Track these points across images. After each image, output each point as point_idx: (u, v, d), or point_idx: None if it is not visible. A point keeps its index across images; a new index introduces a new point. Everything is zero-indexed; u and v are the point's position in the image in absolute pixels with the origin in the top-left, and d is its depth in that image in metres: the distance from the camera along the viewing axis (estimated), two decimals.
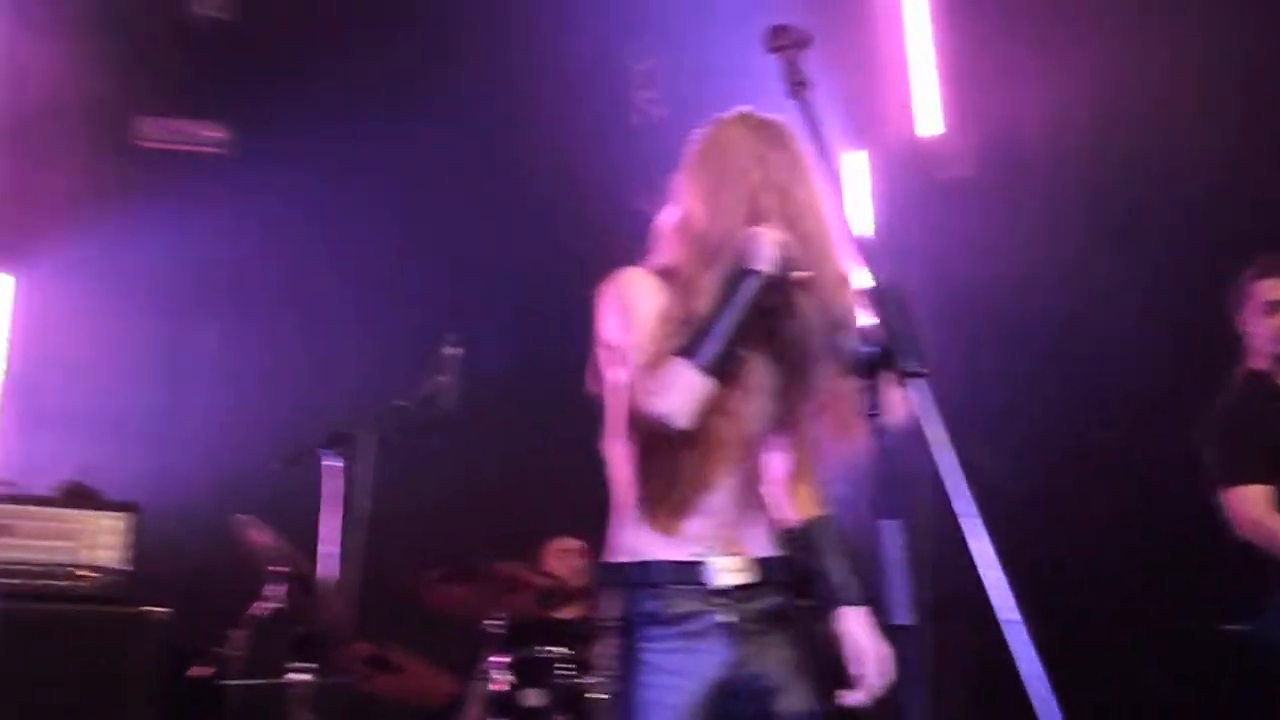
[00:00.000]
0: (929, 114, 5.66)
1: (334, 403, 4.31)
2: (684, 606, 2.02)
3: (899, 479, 1.49)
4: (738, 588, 2.05)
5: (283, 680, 3.73)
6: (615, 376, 2.11)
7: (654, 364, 1.98)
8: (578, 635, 4.01)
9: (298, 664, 3.75)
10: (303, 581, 3.93)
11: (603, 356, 2.14)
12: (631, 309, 2.08)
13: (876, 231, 5.61)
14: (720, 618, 2.03)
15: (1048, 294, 4.69)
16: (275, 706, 3.72)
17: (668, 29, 5.51)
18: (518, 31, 5.29)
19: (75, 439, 4.39)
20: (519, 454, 4.99)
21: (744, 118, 2.16)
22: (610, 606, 2.07)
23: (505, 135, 5.27)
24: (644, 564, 2.05)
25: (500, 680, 3.72)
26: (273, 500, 4.02)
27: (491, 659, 3.76)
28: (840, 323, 2.02)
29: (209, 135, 5.23)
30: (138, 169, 4.96)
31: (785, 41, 1.70)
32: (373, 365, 4.69)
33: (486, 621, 3.81)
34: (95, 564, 3.56)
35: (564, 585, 4.21)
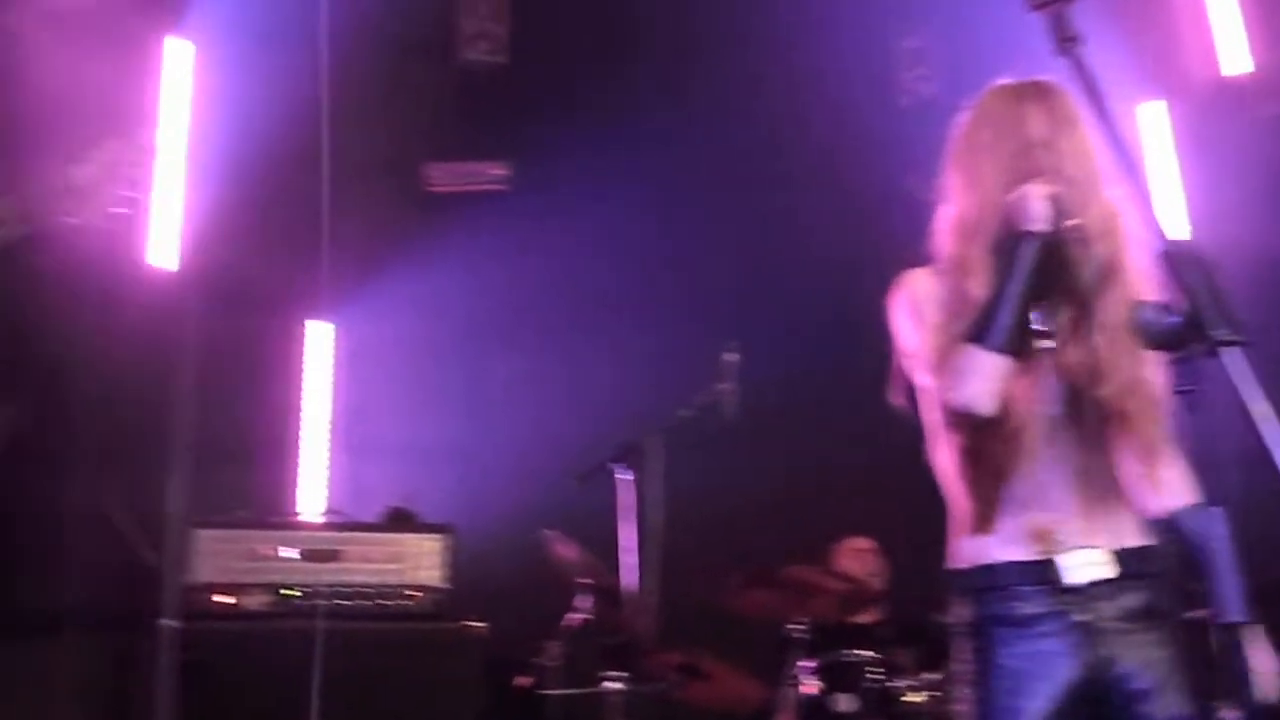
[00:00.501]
0: (1234, 51, 5.14)
1: (623, 416, 4.40)
2: (1035, 607, 1.92)
3: (1211, 461, 1.33)
4: (1094, 584, 1.92)
5: (598, 689, 3.84)
6: (921, 382, 2.05)
7: (946, 356, 1.92)
8: (882, 639, 3.90)
9: (611, 673, 3.85)
10: (608, 592, 4.04)
11: (904, 365, 2.08)
12: (920, 310, 2.03)
13: (1183, 184, 5.17)
14: (1076, 617, 1.91)
15: None
16: (592, 714, 3.82)
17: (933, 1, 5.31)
18: (779, 32, 5.24)
19: (395, 468, 4.74)
20: (800, 456, 4.93)
21: (996, 89, 2.08)
22: (960, 612, 2.01)
23: (773, 136, 5.24)
24: (988, 567, 1.96)
25: (810, 685, 3.68)
26: (575, 514, 4.16)
27: (799, 664, 3.72)
28: (1112, 267, 1.90)
29: (492, 173, 5.51)
30: (431, 213, 5.29)
31: None
32: (656, 377, 4.77)
33: (790, 626, 3.77)
34: (419, 584, 3.79)
35: (863, 589, 4.11)
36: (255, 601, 3.65)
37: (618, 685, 3.82)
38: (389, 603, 3.74)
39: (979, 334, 1.87)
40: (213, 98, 5.22)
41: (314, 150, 5.09)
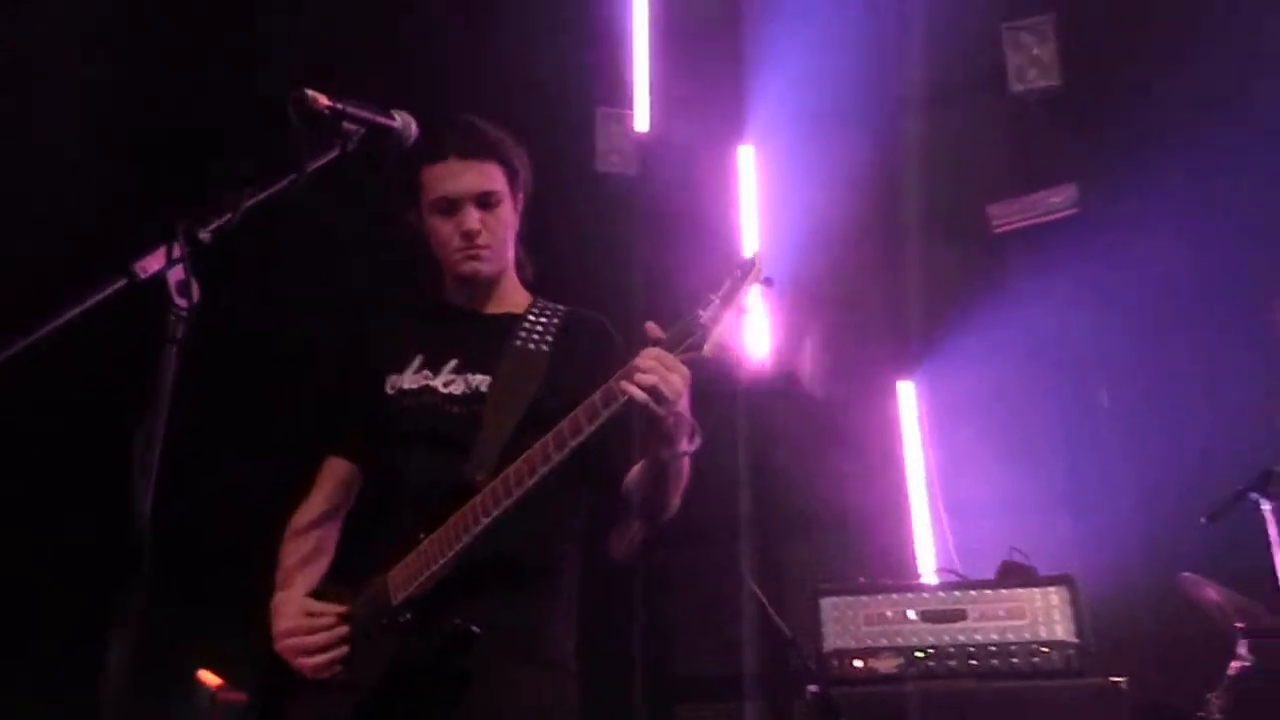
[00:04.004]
0: None
1: (1251, 442, 3.94)
2: None
3: None
4: None
5: None
6: None
7: None
8: None
9: None
10: (1272, 634, 3.63)
11: None
12: None
13: None
14: None
15: None
16: None
17: None
18: None
19: (1001, 521, 4.62)
20: None
21: None
22: None
23: None
24: None
25: None
26: (1212, 553, 3.82)
27: None
28: None
29: (1060, 199, 5.27)
30: (1000, 254, 5.19)
31: None
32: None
33: None
34: (1047, 639, 3.65)
35: None
36: (885, 665, 3.76)
37: None
38: (1018, 660, 3.64)
39: None
40: (777, 188, 5.64)
41: (874, 214, 5.29)
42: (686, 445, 2.14)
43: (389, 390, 2.42)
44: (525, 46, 5.45)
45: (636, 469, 2.27)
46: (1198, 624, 3.81)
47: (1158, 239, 4.64)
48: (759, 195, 5.72)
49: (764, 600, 4.23)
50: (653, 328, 2.07)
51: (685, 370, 2.04)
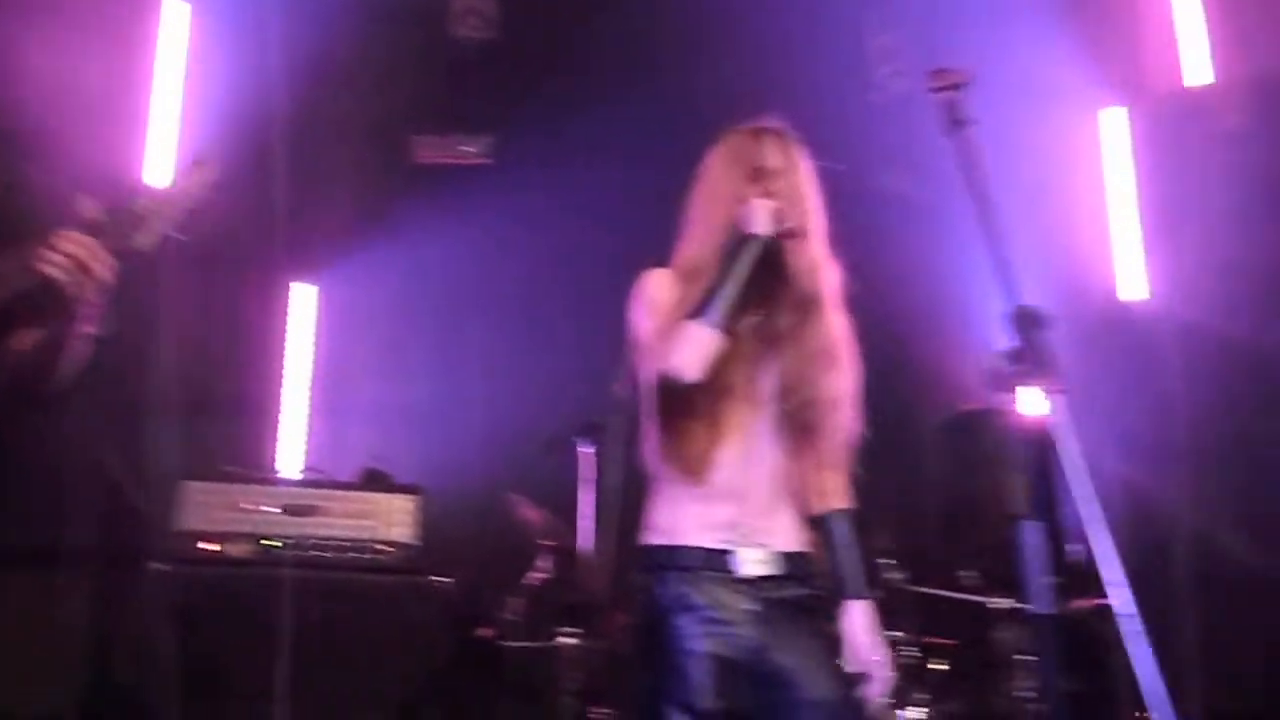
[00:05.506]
0: (1197, 62, 5.34)
1: (594, 388, 4.63)
2: (711, 592, 2.14)
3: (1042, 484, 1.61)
4: (762, 578, 2.17)
5: (553, 643, 4.11)
6: (644, 372, 2.26)
7: (666, 333, 2.15)
8: None
9: (566, 629, 4.12)
10: (567, 554, 4.31)
11: (633, 358, 2.30)
12: (651, 302, 2.25)
13: (1140, 191, 5.37)
14: (744, 605, 2.14)
15: None
16: (547, 667, 4.11)
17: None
18: (754, 24, 5.38)
19: (371, 428, 4.97)
20: None
21: (737, 129, 2.35)
22: (641, 587, 2.22)
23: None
24: (677, 548, 2.18)
25: None
26: (540, 480, 4.41)
27: None
28: (814, 298, 2.19)
29: (474, 148, 5.69)
30: (416, 182, 5.48)
31: (944, 84, 1.81)
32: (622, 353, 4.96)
33: None
34: (391, 539, 4.04)
35: None
36: (238, 550, 3.89)
37: (572, 640, 4.09)
38: (362, 555, 3.98)
39: (697, 311, 2.11)
40: (207, 58, 5.37)
41: (303, 115, 5.30)
42: (91, 329, 2.09)
43: None
44: None
45: (29, 335, 2.14)
46: (518, 537, 4.43)
47: (554, 198, 5.22)
48: (188, 55, 5.38)
49: (118, 477, 4.12)
50: (88, 207, 1.97)
51: (110, 260, 1.97)
